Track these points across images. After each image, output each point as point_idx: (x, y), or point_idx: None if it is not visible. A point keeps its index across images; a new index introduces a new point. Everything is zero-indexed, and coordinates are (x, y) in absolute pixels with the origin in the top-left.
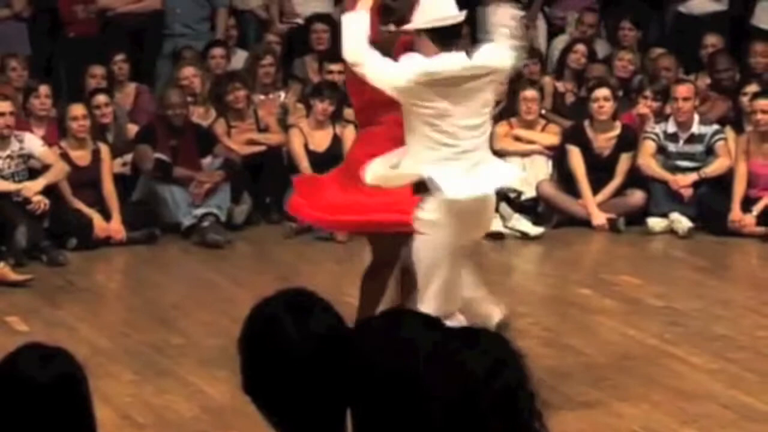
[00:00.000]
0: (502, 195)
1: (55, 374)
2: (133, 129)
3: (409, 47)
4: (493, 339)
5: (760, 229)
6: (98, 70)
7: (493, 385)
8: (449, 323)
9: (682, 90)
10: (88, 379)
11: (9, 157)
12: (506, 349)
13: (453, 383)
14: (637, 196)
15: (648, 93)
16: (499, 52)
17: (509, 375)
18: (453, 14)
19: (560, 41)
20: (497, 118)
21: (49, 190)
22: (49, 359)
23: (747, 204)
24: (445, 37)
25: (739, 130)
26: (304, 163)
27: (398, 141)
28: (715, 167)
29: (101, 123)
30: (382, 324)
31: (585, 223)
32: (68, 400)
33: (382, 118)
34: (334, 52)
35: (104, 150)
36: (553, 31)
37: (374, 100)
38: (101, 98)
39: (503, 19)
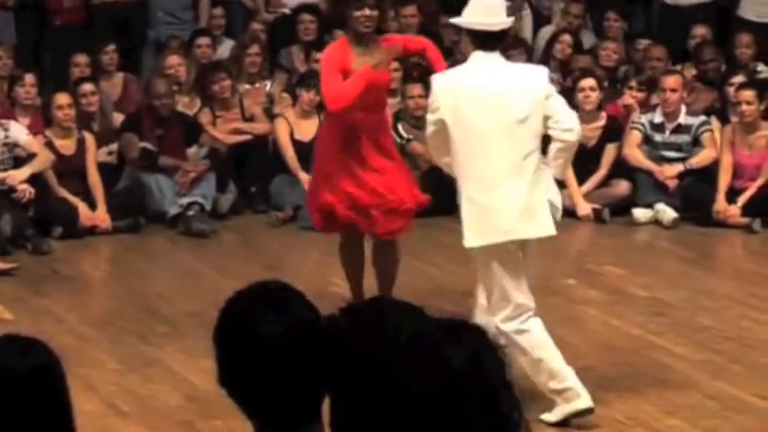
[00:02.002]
0: None
1: (32, 364)
2: (119, 118)
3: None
4: (472, 330)
5: (745, 220)
6: (82, 58)
7: (470, 377)
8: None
9: (670, 81)
10: (64, 369)
11: None
12: (485, 341)
13: (431, 374)
14: (622, 187)
15: (633, 83)
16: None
17: (488, 366)
18: (497, 21)
19: (546, 31)
20: None
21: (35, 179)
22: (26, 349)
23: (732, 195)
24: (485, 41)
25: (724, 120)
26: (290, 153)
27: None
28: (700, 158)
29: (87, 112)
30: (363, 310)
31: (570, 213)
32: (46, 390)
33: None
34: (320, 41)
35: (89, 139)
36: (540, 21)
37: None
38: (87, 87)
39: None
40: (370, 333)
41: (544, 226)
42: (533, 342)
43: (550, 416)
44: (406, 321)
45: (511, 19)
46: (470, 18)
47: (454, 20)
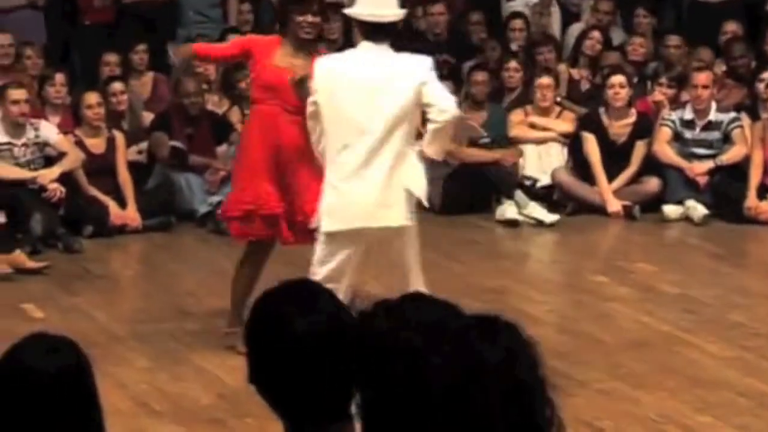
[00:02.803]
0: (518, 183)
1: (60, 364)
2: (149, 117)
3: None
4: (507, 326)
5: None
6: (112, 57)
7: (504, 373)
8: None
9: (702, 78)
10: (93, 368)
11: (25, 145)
12: (519, 337)
13: (464, 370)
14: (652, 183)
15: (663, 80)
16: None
17: (522, 363)
18: (385, 13)
19: (575, 28)
20: (512, 106)
21: (65, 178)
22: (54, 349)
23: (763, 191)
24: (372, 32)
25: (754, 117)
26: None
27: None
28: (731, 155)
29: (117, 111)
30: (398, 306)
31: (600, 210)
32: (75, 389)
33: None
34: (348, 41)
35: (119, 138)
36: (568, 19)
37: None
38: (117, 86)
39: None
40: (404, 328)
41: (399, 217)
42: None
43: None
44: (440, 317)
45: (402, 11)
46: (359, 9)
47: (345, 11)
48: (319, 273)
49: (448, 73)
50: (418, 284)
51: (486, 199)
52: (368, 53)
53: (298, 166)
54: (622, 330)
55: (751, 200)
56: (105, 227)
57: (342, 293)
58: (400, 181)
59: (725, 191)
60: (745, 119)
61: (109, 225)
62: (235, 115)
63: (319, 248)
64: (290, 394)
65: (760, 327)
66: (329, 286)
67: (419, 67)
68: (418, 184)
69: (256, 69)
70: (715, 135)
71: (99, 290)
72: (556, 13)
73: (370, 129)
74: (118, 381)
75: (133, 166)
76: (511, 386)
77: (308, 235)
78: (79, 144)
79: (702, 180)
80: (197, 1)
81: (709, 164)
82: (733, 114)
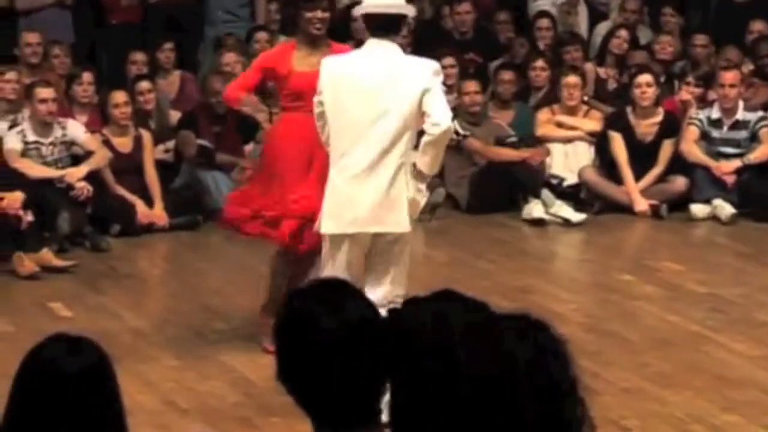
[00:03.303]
0: (545, 182)
1: (81, 364)
2: (176, 116)
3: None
4: (538, 325)
5: None
6: (139, 56)
7: (535, 371)
8: None
9: (729, 76)
10: (114, 368)
11: (52, 143)
12: (550, 336)
13: (495, 367)
14: (679, 183)
15: (690, 79)
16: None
17: (552, 361)
18: (391, 4)
19: (603, 27)
20: (539, 105)
21: (92, 177)
22: (75, 349)
23: None
24: (377, 28)
25: None
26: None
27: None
28: (759, 153)
29: (144, 110)
30: (429, 302)
31: (627, 209)
32: (96, 389)
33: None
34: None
35: (146, 136)
36: (595, 17)
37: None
38: (144, 84)
39: None
40: (436, 325)
41: (399, 223)
42: None
43: None
44: (472, 314)
45: (410, 7)
46: (363, 5)
47: (356, 9)
48: (323, 273)
49: (474, 72)
50: (390, 293)
51: (513, 198)
52: (374, 53)
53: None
54: (649, 329)
55: None
56: (132, 226)
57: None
58: (402, 187)
59: (753, 190)
60: None
61: (136, 224)
62: (262, 114)
63: (324, 248)
64: (318, 393)
65: None
66: (327, 269)
67: (424, 72)
68: (421, 195)
69: (280, 80)
70: (743, 134)
71: (126, 289)
72: (583, 11)
73: (372, 132)
74: (145, 379)
75: (160, 164)
76: (541, 384)
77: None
78: (107, 143)
79: (729, 179)
80: (226, 0)
81: (737, 163)
82: (760, 113)
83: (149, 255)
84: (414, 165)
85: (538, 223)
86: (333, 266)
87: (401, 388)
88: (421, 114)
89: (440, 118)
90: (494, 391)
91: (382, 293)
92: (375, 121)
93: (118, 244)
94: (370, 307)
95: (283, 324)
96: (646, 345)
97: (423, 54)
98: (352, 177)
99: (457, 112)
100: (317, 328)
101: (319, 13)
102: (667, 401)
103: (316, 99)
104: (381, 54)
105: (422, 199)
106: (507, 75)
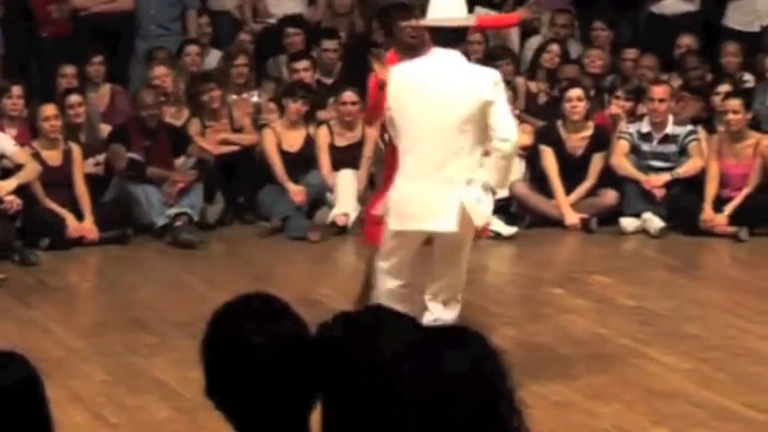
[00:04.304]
0: None
1: (11, 379)
2: (106, 129)
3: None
4: (473, 336)
5: (732, 229)
6: (69, 69)
7: (471, 384)
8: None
9: (659, 91)
10: (43, 382)
11: None
12: (486, 347)
13: (429, 381)
14: (609, 196)
15: (620, 93)
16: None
17: (488, 373)
18: (453, 17)
19: (534, 41)
20: None
21: (22, 190)
22: (4, 364)
23: (719, 204)
24: (441, 38)
25: (711, 130)
26: (277, 163)
27: None
28: (687, 167)
29: (74, 123)
30: (360, 318)
31: (558, 223)
32: (24, 405)
33: None
34: (303, 51)
35: (76, 150)
36: (527, 32)
37: None
38: (74, 98)
39: None
40: (367, 341)
41: (451, 224)
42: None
43: None
44: (403, 328)
45: (470, 17)
46: (429, 16)
47: (421, 22)
48: (382, 266)
49: None
50: (447, 286)
51: None
52: (438, 61)
53: None
54: (579, 342)
55: (707, 213)
56: (62, 240)
57: (399, 289)
58: (460, 192)
59: (682, 204)
60: (702, 132)
61: (66, 237)
62: (194, 127)
63: (385, 243)
64: (247, 407)
65: (716, 339)
66: (387, 279)
67: (486, 82)
68: (486, 206)
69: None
70: (672, 148)
71: (56, 303)
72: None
73: (434, 136)
74: (75, 394)
75: (90, 178)
76: (478, 396)
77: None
78: (36, 156)
79: (659, 193)
80: (158, 14)
81: (666, 177)
82: (689, 127)
83: (79, 269)
84: (482, 180)
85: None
86: (392, 260)
87: (333, 406)
88: (484, 124)
89: (508, 133)
90: (430, 405)
91: (439, 290)
92: (437, 125)
93: (47, 258)
94: (299, 320)
95: (212, 339)
96: (577, 358)
97: (353, 69)
98: (412, 178)
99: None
100: (246, 345)
101: (414, 21)
102: (596, 414)
103: (386, 105)
104: (445, 62)
105: (488, 207)
106: None
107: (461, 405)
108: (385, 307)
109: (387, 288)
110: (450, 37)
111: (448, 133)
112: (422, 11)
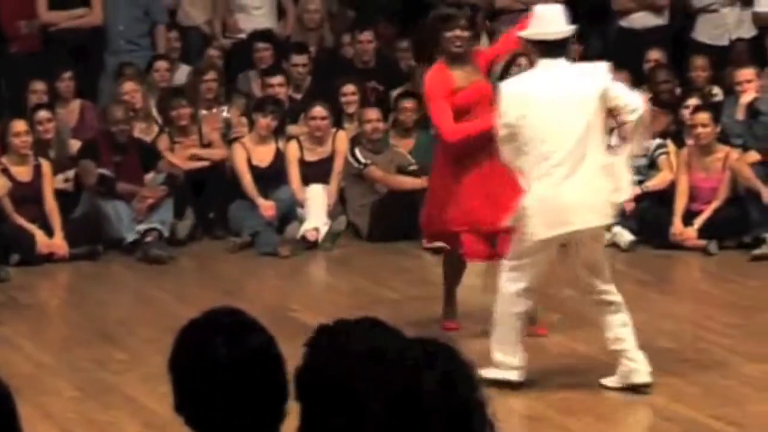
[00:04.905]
0: None
1: None
2: (76, 145)
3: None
4: (444, 350)
5: (701, 242)
6: (39, 85)
7: (442, 397)
8: None
9: None
10: (15, 398)
11: None
12: (457, 361)
13: (401, 396)
14: None
15: None
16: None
17: (460, 386)
18: (557, 30)
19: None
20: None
21: None
22: None
23: (688, 217)
24: (548, 49)
25: (680, 143)
26: (247, 179)
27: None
28: (657, 181)
29: (43, 139)
30: (334, 331)
31: None
32: None
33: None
34: (276, 66)
35: (45, 166)
36: None
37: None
38: (43, 114)
39: None
40: (339, 353)
41: (606, 217)
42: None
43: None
44: (376, 342)
45: (572, 27)
46: (533, 30)
47: (521, 34)
48: (517, 279)
49: (376, 100)
50: (607, 280)
51: (414, 227)
52: (549, 70)
53: (506, 178)
54: (552, 356)
55: (677, 226)
56: (32, 256)
57: (525, 294)
58: (603, 184)
59: (651, 218)
60: (671, 146)
61: (36, 253)
62: (163, 143)
63: (517, 255)
64: (216, 422)
65: (686, 352)
66: (517, 285)
67: (599, 72)
68: (627, 182)
69: (448, 98)
70: (641, 161)
71: (26, 319)
72: (484, 40)
73: (567, 141)
74: (45, 410)
75: (60, 194)
76: (449, 409)
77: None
78: (5, 172)
79: (628, 206)
80: (127, 29)
81: (636, 190)
82: (658, 140)
83: (49, 285)
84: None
85: (437, 251)
86: (528, 271)
87: (308, 420)
88: (607, 112)
89: (633, 102)
90: (402, 419)
91: (594, 284)
92: (572, 126)
93: (17, 274)
94: (268, 337)
95: (180, 355)
96: (549, 372)
97: (323, 83)
98: (556, 184)
99: (358, 140)
100: (214, 360)
101: (458, 32)
102: (568, 428)
103: (500, 123)
104: (556, 69)
105: (625, 195)
106: (408, 103)
107: (432, 418)
108: (365, 319)
109: (514, 290)
110: (556, 47)
111: (582, 130)
112: (468, 21)
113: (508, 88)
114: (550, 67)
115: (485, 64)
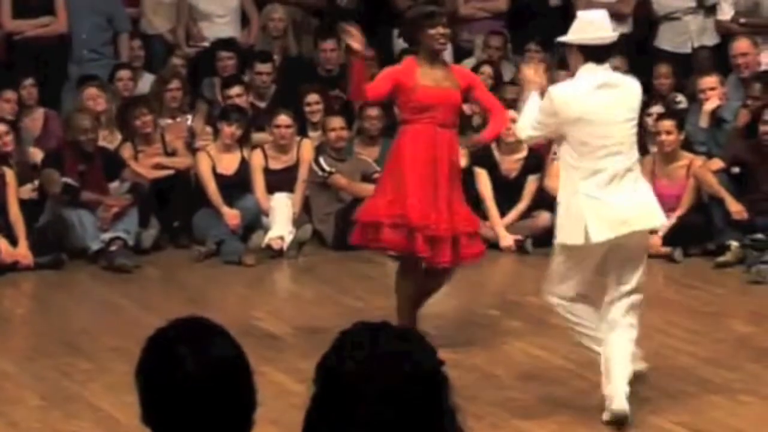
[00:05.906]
0: None
1: None
2: (38, 154)
3: None
4: (416, 352)
5: (666, 250)
6: (11, 94)
7: (415, 399)
8: None
9: None
10: None
11: None
12: (432, 362)
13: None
14: (543, 218)
15: None
16: None
17: (434, 388)
18: (602, 35)
19: (467, 63)
20: None
21: None
22: None
23: None
24: (593, 54)
25: (643, 151)
26: (212, 187)
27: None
28: None
29: (2, 152)
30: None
31: (493, 244)
32: None
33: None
34: (235, 77)
35: (9, 174)
36: (461, 55)
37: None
38: (1, 128)
39: None
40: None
41: (658, 218)
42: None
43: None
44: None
45: (616, 33)
46: (577, 35)
47: (562, 38)
48: (560, 285)
49: (340, 108)
50: (640, 281)
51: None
52: (594, 76)
53: (452, 180)
54: (515, 363)
55: None
56: None
57: (569, 298)
58: (646, 186)
59: None
60: None
61: (0, 263)
62: (126, 151)
63: (563, 260)
64: None
65: (651, 359)
66: (561, 287)
67: (638, 87)
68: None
69: (406, 93)
70: None
71: None
72: (448, 48)
73: (613, 144)
74: (9, 420)
75: (24, 203)
76: (424, 411)
77: (464, 253)
78: None
79: None
80: (90, 38)
81: None
82: None
83: (14, 294)
84: None
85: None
86: (572, 277)
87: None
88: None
89: None
90: (382, 422)
91: (629, 287)
92: (613, 134)
93: None
94: (234, 344)
95: (146, 365)
96: (512, 380)
97: (287, 92)
98: (606, 187)
99: (323, 148)
100: (180, 369)
101: (441, 29)
102: None
103: (542, 119)
104: (601, 74)
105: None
106: (373, 111)
107: (406, 420)
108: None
109: (568, 294)
110: (602, 52)
111: (626, 138)
112: (449, 19)
113: (556, 91)
114: (593, 72)
115: (467, 90)
